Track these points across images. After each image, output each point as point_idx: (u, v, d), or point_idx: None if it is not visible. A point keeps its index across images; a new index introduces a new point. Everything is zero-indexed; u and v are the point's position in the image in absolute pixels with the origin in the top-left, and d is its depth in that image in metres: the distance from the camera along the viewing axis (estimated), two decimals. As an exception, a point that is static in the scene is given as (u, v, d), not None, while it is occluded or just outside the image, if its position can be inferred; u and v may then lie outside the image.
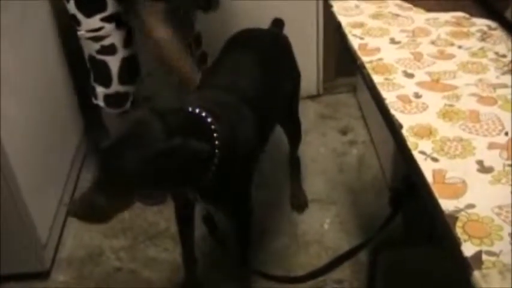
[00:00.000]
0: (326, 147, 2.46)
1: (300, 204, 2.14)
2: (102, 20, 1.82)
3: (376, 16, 1.45)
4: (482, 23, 1.37)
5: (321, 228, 2.05)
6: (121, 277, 1.94)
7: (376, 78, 1.18)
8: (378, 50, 1.30)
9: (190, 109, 1.33)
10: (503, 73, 1.17)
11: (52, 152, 2.09)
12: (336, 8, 1.50)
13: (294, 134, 2.06)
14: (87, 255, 2.03)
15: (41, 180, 1.94)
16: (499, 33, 1.33)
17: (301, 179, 2.18)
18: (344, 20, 1.44)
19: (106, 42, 1.86)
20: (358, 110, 2.67)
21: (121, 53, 1.89)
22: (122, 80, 1.92)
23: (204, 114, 1.31)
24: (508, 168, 0.91)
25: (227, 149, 1.32)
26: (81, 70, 2.05)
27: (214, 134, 1.30)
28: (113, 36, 1.86)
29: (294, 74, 1.87)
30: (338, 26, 1.44)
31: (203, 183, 1.32)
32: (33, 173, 1.86)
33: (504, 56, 1.23)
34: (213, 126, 1.30)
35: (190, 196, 1.49)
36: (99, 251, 2.04)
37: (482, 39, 1.30)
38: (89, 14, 1.82)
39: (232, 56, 1.70)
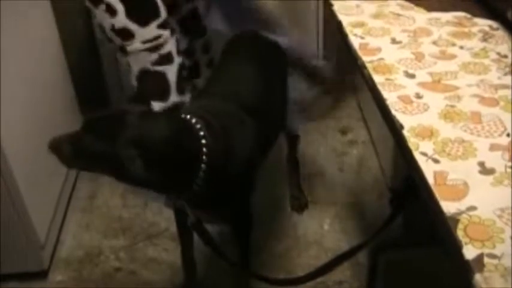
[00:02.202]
0: (326, 147, 2.46)
1: (299, 205, 2.13)
2: (159, 27, 1.71)
3: (377, 16, 1.44)
4: (484, 23, 1.37)
5: (321, 229, 2.05)
6: (120, 277, 1.93)
7: (377, 79, 1.18)
8: (378, 49, 1.29)
9: (183, 116, 1.31)
10: (505, 74, 1.16)
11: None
12: (337, 7, 1.50)
13: (292, 135, 2.04)
14: (86, 255, 2.02)
15: (40, 180, 1.93)
16: (501, 33, 1.32)
17: (301, 179, 2.18)
18: (345, 20, 1.43)
19: (164, 50, 1.74)
20: (358, 110, 2.66)
21: (177, 61, 1.79)
22: (180, 89, 1.82)
23: (194, 121, 1.29)
24: (510, 170, 0.91)
25: (217, 158, 1.29)
26: (81, 71, 2.03)
27: (203, 141, 1.27)
28: (169, 43, 1.75)
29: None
30: (338, 25, 1.43)
31: (192, 191, 1.30)
32: (31, 173, 1.85)
33: (506, 56, 1.22)
34: (201, 132, 1.28)
35: (176, 203, 1.46)
36: (98, 251, 2.03)
37: (484, 40, 1.30)
38: (144, 23, 1.69)
39: (231, 62, 1.68)
